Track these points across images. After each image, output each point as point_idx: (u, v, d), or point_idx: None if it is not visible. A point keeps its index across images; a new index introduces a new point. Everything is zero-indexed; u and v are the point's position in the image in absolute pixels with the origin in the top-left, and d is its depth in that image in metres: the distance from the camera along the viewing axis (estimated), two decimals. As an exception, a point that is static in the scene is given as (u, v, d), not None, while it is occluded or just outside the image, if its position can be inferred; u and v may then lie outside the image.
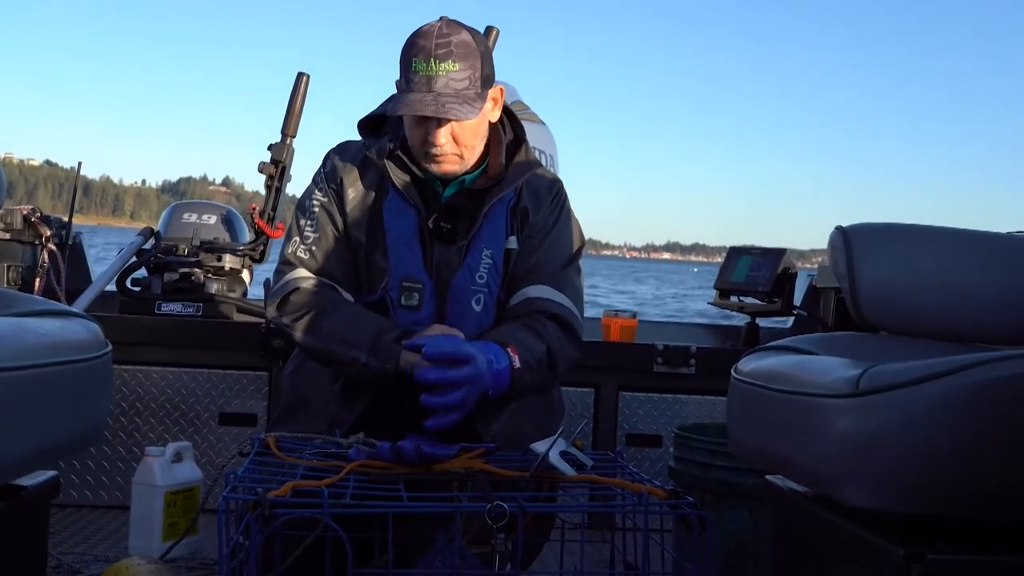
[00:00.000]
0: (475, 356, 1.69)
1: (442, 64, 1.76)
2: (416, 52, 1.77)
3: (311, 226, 1.91)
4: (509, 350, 1.76)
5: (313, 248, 1.90)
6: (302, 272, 1.89)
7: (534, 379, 1.81)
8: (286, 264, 1.92)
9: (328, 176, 1.94)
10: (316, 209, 1.92)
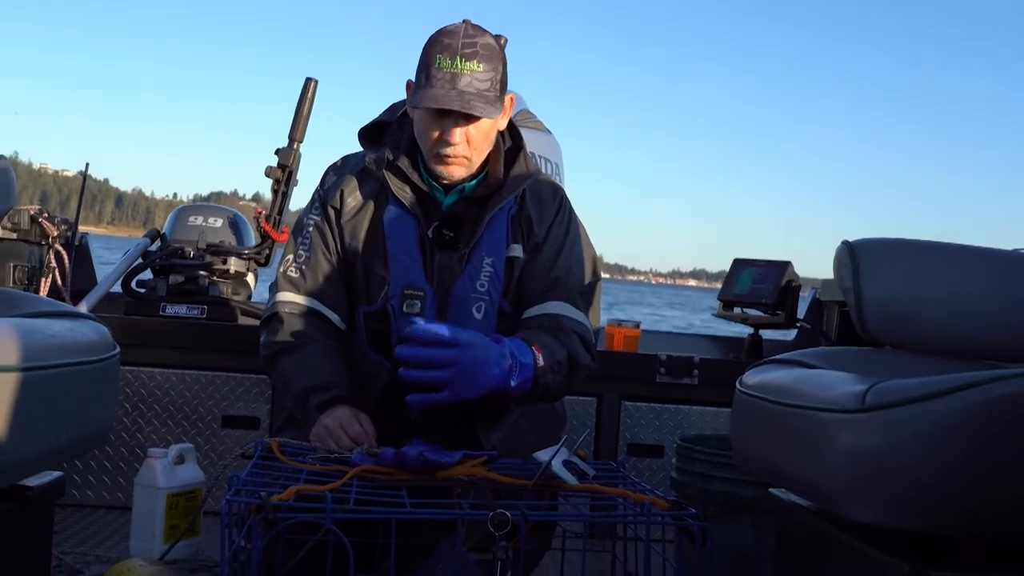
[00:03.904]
0: (465, 343, 1.68)
1: (467, 63, 1.77)
2: (441, 50, 1.78)
3: (304, 245, 1.95)
4: (533, 348, 1.78)
5: (304, 268, 1.93)
6: (286, 295, 1.93)
7: (554, 381, 1.82)
8: (275, 284, 1.97)
9: (324, 195, 1.96)
10: (310, 229, 1.95)
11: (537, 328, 1.87)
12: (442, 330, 1.69)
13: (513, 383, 1.73)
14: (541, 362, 1.78)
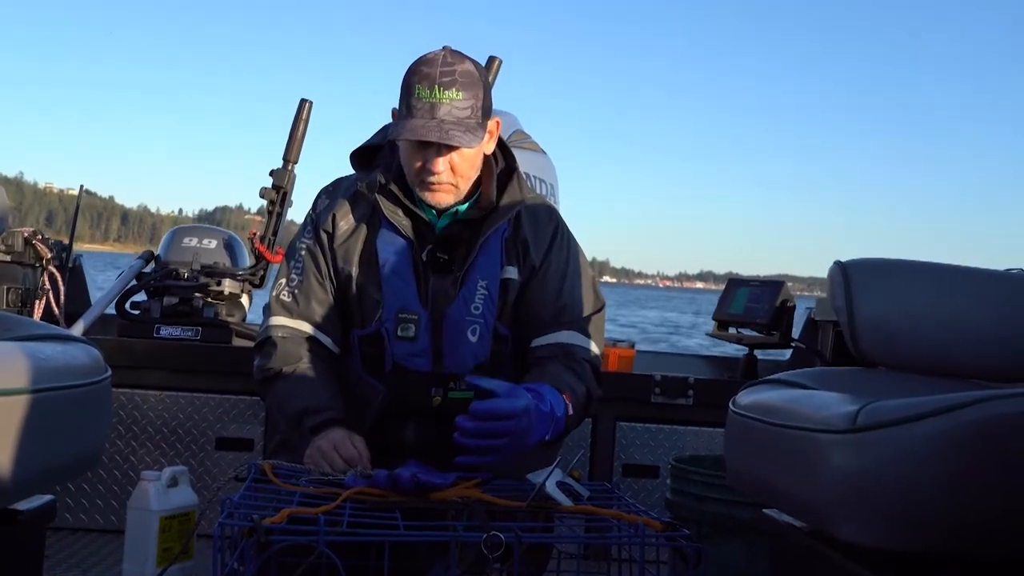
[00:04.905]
0: (521, 414, 1.65)
1: (446, 92, 1.76)
2: (420, 79, 1.78)
3: (297, 269, 1.95)
4: (565, 397, 1.79)
5: (296, 292, 1.93)
6: (279, 320, 1.93)
7: (577, 423, 1.85)
8: (267, 308, 1.97)
9: (317, 218, 1.95)
10: (303, 253, 1.95)
11: (552, 360, 1.88)
12: (500, 405, 1.66)
13: (548, 437, 1.74)
14: (571, 411, 1.79)
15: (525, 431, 1.67)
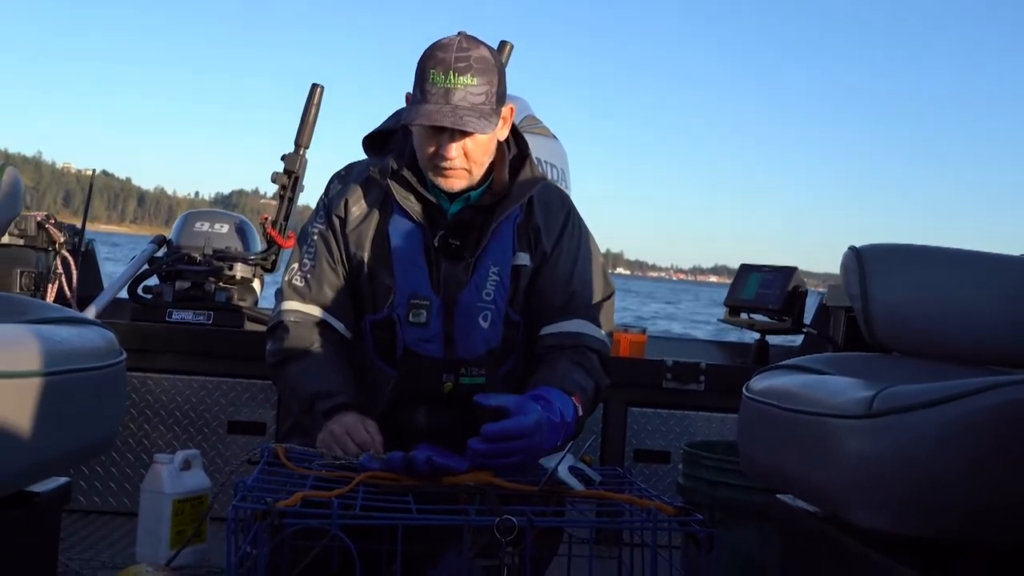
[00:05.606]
0: (533, 430, 1.64)
1: (461, 77, 1.76)
2: (434, 64, 1.77)
3: (309, 255, 1.94)
4: (575, 400, 1.78)
5: (308, 277, 1.93)
6: (292, 304, 1.93)
7: (585, 420, 1.84)
8: (280, 292, 1.97)
9: (329, 203, 1.95)
10: (315, 237, 1.94)
11: (561, 353, 1.88)
12: (511, 426, 1.64)
13: (559, 443, 1.74)
14: (581, 412, 1.80)
15: (538, 446, 1.66)
